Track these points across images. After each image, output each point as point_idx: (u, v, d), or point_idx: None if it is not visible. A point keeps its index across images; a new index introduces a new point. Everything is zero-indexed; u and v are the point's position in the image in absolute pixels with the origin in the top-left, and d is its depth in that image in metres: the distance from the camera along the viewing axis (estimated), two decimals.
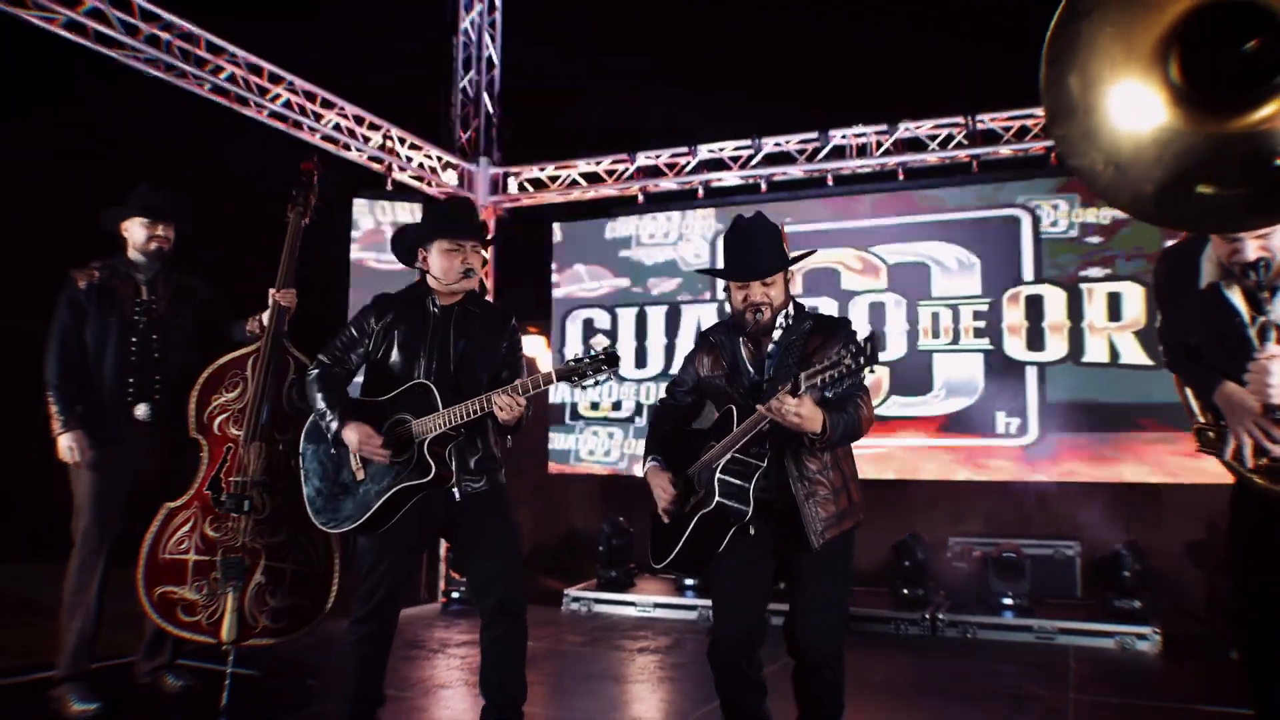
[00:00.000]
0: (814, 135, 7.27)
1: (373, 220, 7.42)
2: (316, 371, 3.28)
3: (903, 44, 7.66)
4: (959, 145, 6.93)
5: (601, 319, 8.04)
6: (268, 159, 7.12)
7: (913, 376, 6.99)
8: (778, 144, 7.42)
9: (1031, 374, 6.76)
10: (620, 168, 7.86)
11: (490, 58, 8.32)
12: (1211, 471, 2.83)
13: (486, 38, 8.29)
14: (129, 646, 4.24)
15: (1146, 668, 5.09)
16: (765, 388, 2.92)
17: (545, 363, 8.34)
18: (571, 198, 8.14)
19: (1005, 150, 6.86)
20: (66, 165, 7.93)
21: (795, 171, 7.42)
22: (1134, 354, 6.47)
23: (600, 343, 3.13)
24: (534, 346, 8.46)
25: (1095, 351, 6.60)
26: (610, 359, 3.00)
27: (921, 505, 7.11)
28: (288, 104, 6.60)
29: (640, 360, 7.83)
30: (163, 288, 4.09)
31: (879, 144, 7.14)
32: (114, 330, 3.94)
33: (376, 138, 7.27)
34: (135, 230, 4.07)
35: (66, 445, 3.82)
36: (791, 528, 2.89)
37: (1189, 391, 2.77)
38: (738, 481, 2.87)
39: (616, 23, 8.48)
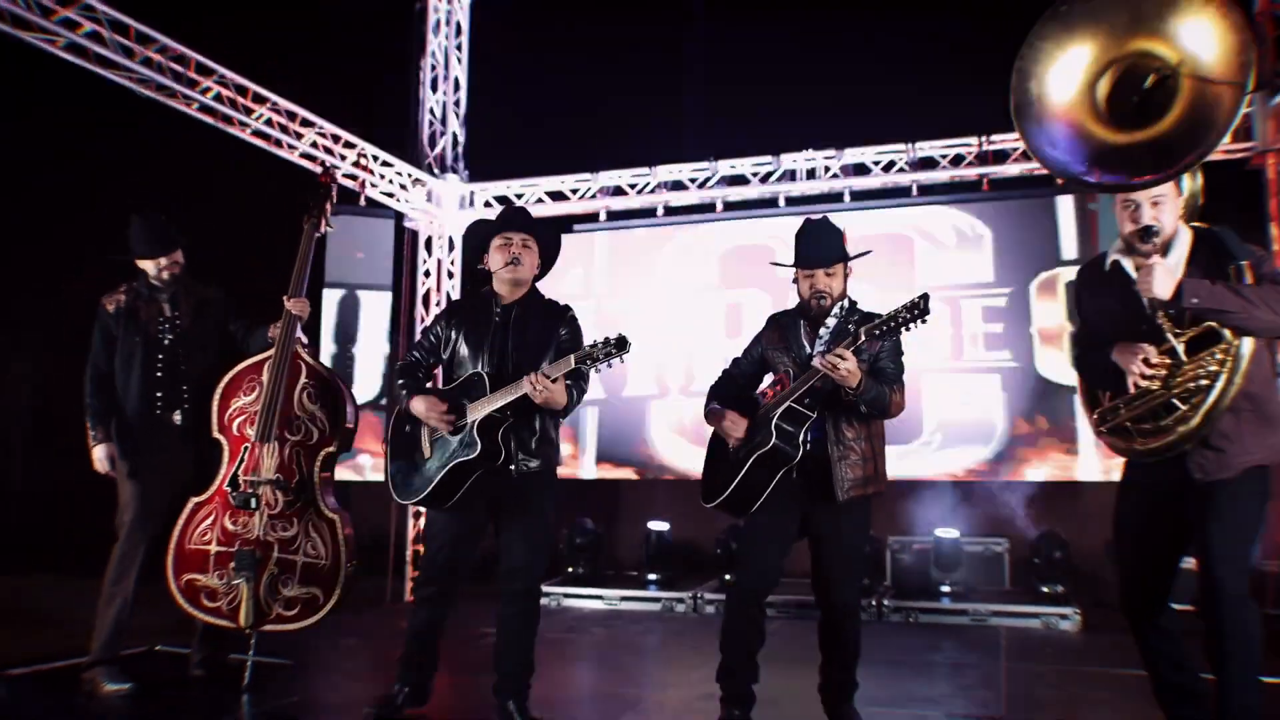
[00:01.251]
0: (767, 159, 7.76)
1: (345, 233, 7.76)
2: (400, 365, 3.86)
3: (850, 77, 8.20)
4: (901, 170, 7.47)
5: None
6: (243, 172, 7.43)
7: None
8: (733, 166, 7.90)
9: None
10: (584, 186, 8.29)
11: (457, 78, 8.68)
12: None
13: (454, 59, 8.66)
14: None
15: (1068, 642, 5.67)
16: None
17: None
18: (536, 213, 8.52)
19: (943, 176, 7.40)
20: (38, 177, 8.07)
21: (749, 192, 7.89)
22: None
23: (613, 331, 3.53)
24: None
25: None
26: (620, 343, 3.42)
27: None
28: (269, 122, 6.91)
29: None
30: (185, 303, 4.45)
31: (827, 168, 7.67)
32: (139, 349, 4.31)
33: (352, 155, 7.60)
34: (146, 265, 4.41)
35: (98, 457, 4.23)
36: (821, 483, 3.39)
37: (1088, 384, 3.28)
38: (790, 428, 3.38)
39: (581, 46, 8.92)
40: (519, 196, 8.50)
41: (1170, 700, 3.20)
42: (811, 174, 7.71)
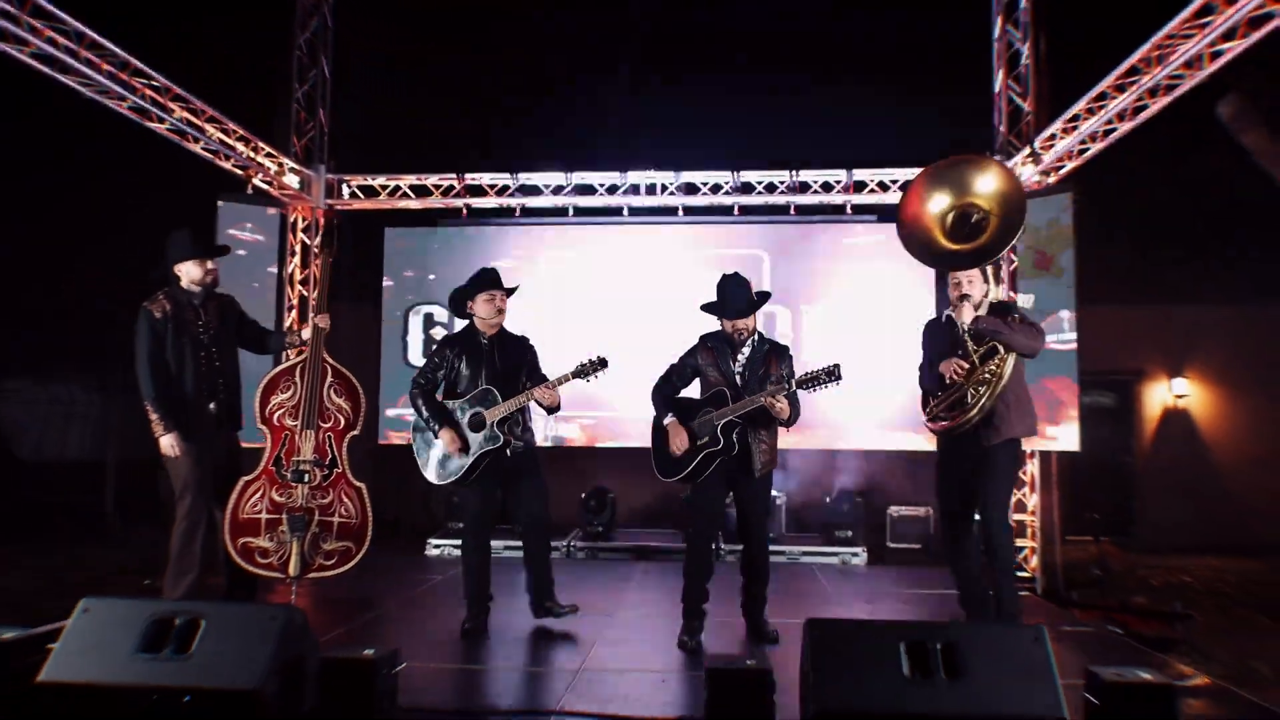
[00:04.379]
0: (616, 173, 9.11)
1: (233, 220, 8.32)
2: (416, 390, 5.11)
3: (688, 116, 9.71)
4: (726, 193, 9.07)
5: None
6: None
7: None
8: (584, 177, 9.17)
9: None
10: (447, 184, 9.25)
11: (324, 70, 9.30)
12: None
13: (321, 52, 9.26)
14: None
15: (862, 573, 7.61)
16: (742, 383, 4.88)
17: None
18: (400, 206, 9.40)
19: (757, 200, 9.07)
20: None
21: (597, 201, 9.21)
22: None
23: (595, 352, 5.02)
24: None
25: None
26: (602, 362, 4.99)
27: None
28: (182, 119, 7.41)
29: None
30: (213, 309, 5.19)
31: (664, 186, 9.13)
32: (189, 349, 5.02)
33: (245, 149, 8.16)
34: (191, 269, 5.10)
35: (169, 444, 4.91)
36: (743, 463, 4.90)
37: (924, 390, 5.05)
38: (730, 431, 4.84)
39: (449, 50, 9.84)
40: (384, 188, 9.32)
41: (971, 604, 5.02)
42: (652, 190, 9.15)
